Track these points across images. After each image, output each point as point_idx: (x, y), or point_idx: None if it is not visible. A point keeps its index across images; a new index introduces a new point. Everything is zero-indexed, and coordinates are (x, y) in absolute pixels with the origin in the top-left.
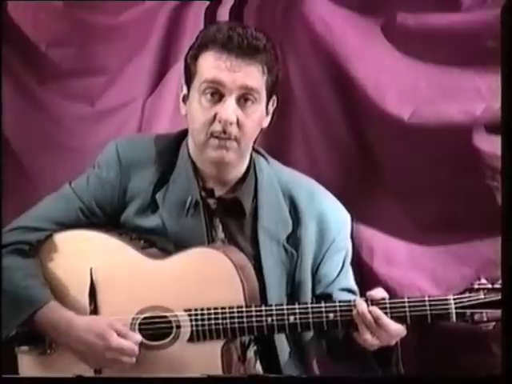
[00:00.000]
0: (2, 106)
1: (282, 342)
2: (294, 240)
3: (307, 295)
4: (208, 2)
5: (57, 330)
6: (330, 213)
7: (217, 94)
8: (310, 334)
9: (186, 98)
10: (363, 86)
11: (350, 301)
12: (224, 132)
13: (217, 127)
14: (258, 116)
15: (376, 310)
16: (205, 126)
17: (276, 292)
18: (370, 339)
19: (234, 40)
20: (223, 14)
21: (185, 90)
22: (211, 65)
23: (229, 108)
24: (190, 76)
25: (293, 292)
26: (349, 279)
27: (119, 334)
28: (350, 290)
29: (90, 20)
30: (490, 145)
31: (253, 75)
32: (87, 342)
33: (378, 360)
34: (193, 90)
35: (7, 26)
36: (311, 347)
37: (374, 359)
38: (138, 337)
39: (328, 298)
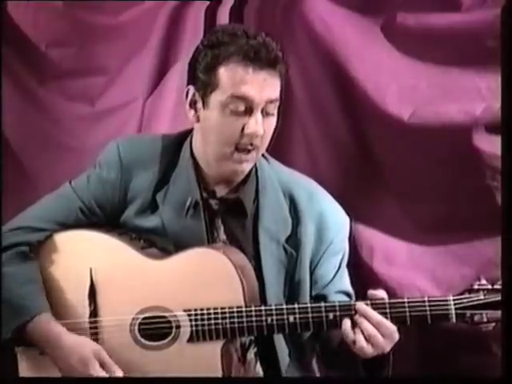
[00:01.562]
0: (2, 106)
1: (281, 344)
2: (293, 240)
3: (307, 295)
4: (208, 2)
5: (46, 342)
6: (330, 214)
7: (243, 107)
8: (306, 337)
9: (195, 104)
10: (363, 86)
11: (350, 300)
12: (251, 144)
13: (244, 140)
14: (274, 123)
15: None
16: (230, 139)
17: (275, 292)
18: (365, 347)
19: (260, 52)
20: (223, 14)
21: (197, 98)
22: (238, 79)
23: (258, 122)
24: (205, 86)
25: (292, 292)
26: (344, 282)
27: (102, 365)
28: (345, 293)
29: (90, 20)
30: (490, 145)
31: (275, 86)
32: (69, 363)
33: (369, 372)
34: (212, 101)
35: (7, 26)
36: (309, 349)
37: (365, 371)
38: (119, 372)
39: (323, 299)
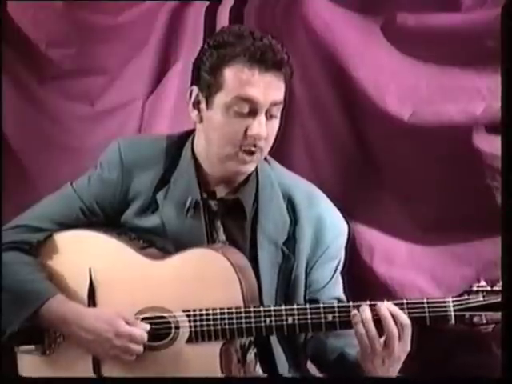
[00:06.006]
0: (2, 105)
1: (277, 346)
2: (291, 243)
3: (302, 298)
4: (208, 2)
5: (66, 321)
6: (328, 218)
7: (247, 108)
8: (301, 341)
9: (198, 104)
10: (363, 86)
11: (349, 302)
12: (254, 146)
13: (248, 142)
14: (278, 125)
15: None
16: (233, 140)
17: (271, 294)
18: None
19: (266, 54)
20: (223, 14)
21: (201, 98)
22: (244, 81)
23: (262, 124)
24: (209, 86)
25: (288, 295)
26: (338, 289)
27: (127, 323)
28: (338, 299)
29: (89, 20)
30: (490, 145)
31: (280, 89)
32: (97, 328)
33: None
34: (216, 102)
35: (7, 26)
36: (303, 352)
37: None
38: (146, 325)
39: (316, 304)
